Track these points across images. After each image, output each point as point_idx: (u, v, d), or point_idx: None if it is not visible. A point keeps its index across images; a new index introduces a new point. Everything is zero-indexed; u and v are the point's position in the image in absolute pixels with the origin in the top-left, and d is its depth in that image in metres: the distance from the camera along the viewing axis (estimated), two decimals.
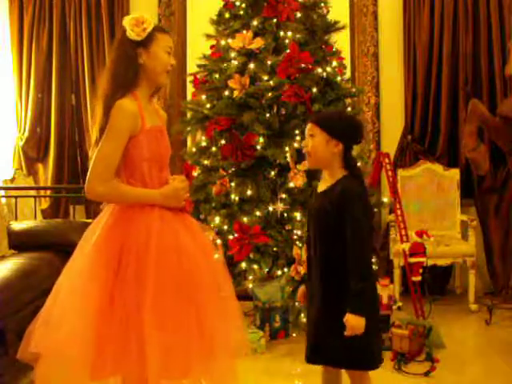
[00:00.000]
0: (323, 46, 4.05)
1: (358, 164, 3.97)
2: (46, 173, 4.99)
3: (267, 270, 3.70)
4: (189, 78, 4.51)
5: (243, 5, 4.00)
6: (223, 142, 3.83)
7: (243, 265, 3.68)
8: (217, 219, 3.77)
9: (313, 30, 4.02)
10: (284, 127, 3.81)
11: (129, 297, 1.97)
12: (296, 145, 3.70)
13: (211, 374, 2.11)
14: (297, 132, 3.75)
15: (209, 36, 4.22)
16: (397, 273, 4.30)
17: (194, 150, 4.12)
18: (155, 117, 2.19)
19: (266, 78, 3.79)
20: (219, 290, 2.17)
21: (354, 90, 4.12)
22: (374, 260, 3.91)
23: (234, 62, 3.89)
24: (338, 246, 2.13)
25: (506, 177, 4.58)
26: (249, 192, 3.72)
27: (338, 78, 3.99)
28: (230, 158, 3.77)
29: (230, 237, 3.67)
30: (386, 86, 4.86)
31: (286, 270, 3.68)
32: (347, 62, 4.50)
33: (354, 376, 2.25)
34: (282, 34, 3.90)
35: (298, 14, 3.96)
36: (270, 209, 3.73)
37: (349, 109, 4.00)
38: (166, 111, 4.93)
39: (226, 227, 3.74)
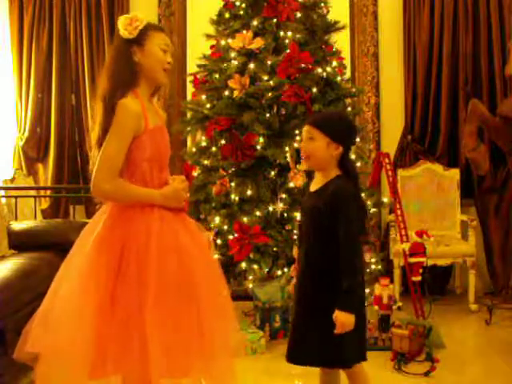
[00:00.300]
0: (323, 46, 4.05)
1: (358, 164, 4.02)
2: (46, 173, 4.99)
3: (267, 270, 3.70)
4: (189, 78, 4.51)
5: (243, 5, 4.00)
6: (223, 142, 3.83)
7: (243, 265, 3.68)
8: (217, 219, 3.77)
9: (313, 29, 4.02)
10: (284, 127, 3.81)
11: (130, 296, 1.97)
12: (296, 145, 3.70)
13: (210, 373, 2.11)
14: (297, 132, 3.75)
15: (209, 36, 4.22)
16: (397, 273, 4.30)
17: (194, 150, 4.12)
18: (156, 116, 2.20)
19: (266, 77, 3.79)
20: (219, 290, 2.18)
21: (354, 90, 4.12)
22: (374, 260, 3.92)
23: (234, 62, 3.89)
24: (330, 245, 2.14)
25: (506, 177, 4.59)
26: (249, 192, 3.72)
27: (338, 78, 3.99)
28: (230, 157, 3.77)
29: (230, 237, 3.67)
30: (386, 86, 4.86)
31: (286, 270, 3.68)
32: (347, 62, 4.50)
33: (350, 375, 2.26)
34: (282, 33, 3.90)
35: (298, 14, 3.96)
36: (270, 209, 3.73)
37: (349, 109, 4.00)
38: (166, 111, 4.94)
39: (226, 227, 3.74)
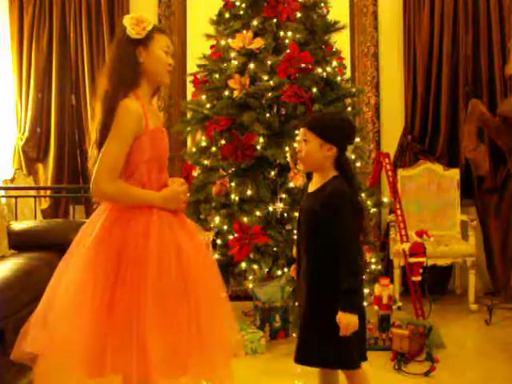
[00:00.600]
0: (323, 46, 4.05)
1: (358, 164, 4.02)
2: (46, 173, 4.99)
3: (267, 270, 3.70)
4: (189, 78, 4.51)
5: (243, 5, 3.99)
6: (223, 142, 3.82)
7: (243, 265, 3.68)
8: (217, 219, 3.77)
9: (313, 29, 4.02)
10: (284, 127, 3.81)
11: (129, 297, 1.97)
12: (296, 145, 3.70)
13: (208, 372, 2.12)
14: (297, 132, 3.75)
15: (209, 36, 4.22)
16: (397, 273, 4.30)
17: (194, 150, 4.11)
18: (156, 117, 2.20)
19: (266, 77, 3.79)
20: (217, 290, 2.19)
21: (353, 90, 4.11)
22: (374, 260, 3.91)
23: (234, 62, 3.89)
24: (328, 246, 2.15)
25: (505, 177, 4.58)
26: (249, 192, 3.72)
27: (338, 78, 3.99)
28: (229, 158, 3.77)
29: (230, 237, 3.67)
30: (386, 86, 4.86)
31: (286, 270, 3.68)
32: (347, 62, 4.50)
33: (350, 376, 2.26)
34: (282, 33, 3.90)
35: (298, 14, 3.96)
36: (270, 209, 3.73)
37: (349, 109, 3.99)
38: (166, 111, 4.95)
39: (225, 227, 3.74)
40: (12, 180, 4.78)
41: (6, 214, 4.01)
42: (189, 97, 4.65)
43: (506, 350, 3.52)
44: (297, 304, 3.67)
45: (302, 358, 2.26)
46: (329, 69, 3.94)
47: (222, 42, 4.03)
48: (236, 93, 3.80)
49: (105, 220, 2.09)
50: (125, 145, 2.05)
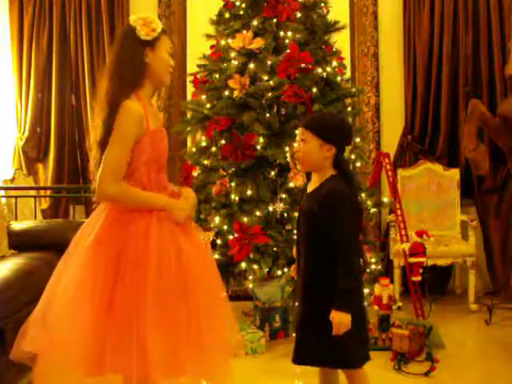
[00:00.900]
0: (323, 46, 4.04)
1: (358, 164, 4.02)
2: (46, 173, 4.99)
3: (267, 270, 3.70)
4: (189, 78, 4.51)
5: (243, 5, 3.99)
6: (223, 142, 3.82)
7: (243, 265, 3.68)
8: (217, 219, 3.77)
9: (313, 29, 4.02)
10: (284, 127, 3.81)
11: (128, 297, 1.97)
12: (296, 145, 3.70)
13: (206, 372, 2.12)
14: (297, 132, 3.75)
15: (209, 36, 4.22)
16: (397, 273, 4.30)
17: (194, 150, 4.11)
18: (155, 118, 2.20)
19: (266, 77, 3.79)
20: (217, 290, 2.20)
21: (353, 90, 4.11)
22: (374, 260, 3.91)
23: (234, 62, 3.89)
24: (327, 246, 2.15)
25: (505, 177, 4.58)
26: (249, 192, 3.72)
27: (338, 78, 3.99)
28: (229, 158, 3.77)
29: (230, 237, 3.67)
30: (386, 86, 4.86)
31: (286, 270, 3.68)
32: (347, 62, 4.50)
33: (350, 375, 2.26)
34: (282, 33, 3.90)
35: (298, 14, 3.96)
36: (270, 209, 3.73)
37: (349, 109, 3.99)
38: (166, 111, 4.95)
39: (226, 227, 3.74)
40: (12, 180, 4.78)
41: (6, 214, 4.01)
42: (189, 97, 4.65)
43: (506, 349, 3.52)
44: (296, 304, 3.68)
45: (300, 357, 2.27)
46: (329, 69, 3.94)
47: (222, 42, 4.03)
48: (236, 93, 3.80)
49: (104, 220, 2.09)
50: (127, 147, 2.05)
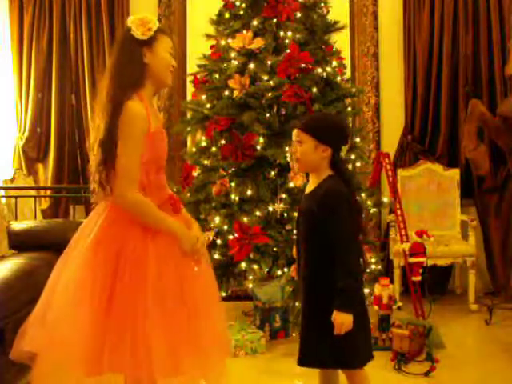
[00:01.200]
0: (323, 46, 4.05)
1: (358, 164, 4.02)
2: (46, 173, 4.99)
3: (267, 270, 3.70)
4: (189, 78, 4.50)
5: (243, 5, 3.99)
6: (223, 142, 3.82)
7: (243, 265, 3.68)
8: (217, 219, 3.77)
9: (313, 29, 4.02)
10: (284, 127, 3.81)
11: (128, 297, 1.97)
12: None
13: (203, 371, 2.12)
14: (293, 134, 3.74)
15: (209, 36, 4.22)
16: (397, 273, 4.30)
17: (194, 150, 4.12)
18: (156, 118, 2.20)
19: (266, 77, 3.79)
20: (213, 291, 2.21)
21: (353, 90, 4.11)
22: (374, 260, 3.91)
23: (234, 62, 3.89)
24: (326, 246, 2.15)
25: (505, 177, 4.59)
26: (249, 192, 3.72)
27: (338, 78, 3.99)
28: (229, 158, 3.77)
29: (230, 237, 3.67)
30: (386, 86, 4.86)
31: (286, 269, 3.68)
32: (347, 62, 4.50)
33: (350, 376, 2.26)
34: (282, 33, 3.90)
35: (298, 14, 3.96)
36: (270, 209, 3.73)
37: (349, 109, 4.00)
38: (166, 111, 4.95)
39: (226, 227, 3.74)
40: (12, 180, 4.78)
41: (6, 214, 4.01)
42: (189, 97, 4.65)
43: (506, 349, 3.52)
44: (297, 304, 3.68)
45: (302, 357, 2.26)
46: (329, 69, 3.94)
47: (222, 42, 4.03)
48: (236, 93, 3.80)
49: (104, 220, 2.09)
50: (138, 151, 2.05)
